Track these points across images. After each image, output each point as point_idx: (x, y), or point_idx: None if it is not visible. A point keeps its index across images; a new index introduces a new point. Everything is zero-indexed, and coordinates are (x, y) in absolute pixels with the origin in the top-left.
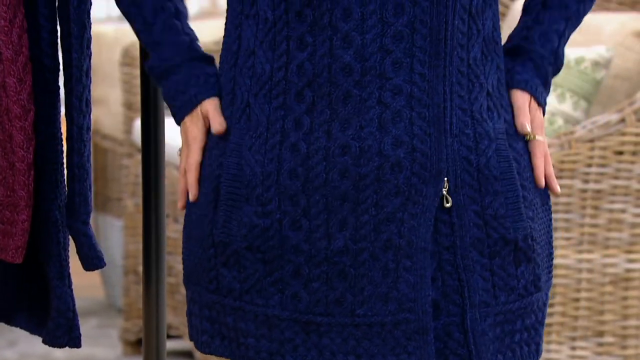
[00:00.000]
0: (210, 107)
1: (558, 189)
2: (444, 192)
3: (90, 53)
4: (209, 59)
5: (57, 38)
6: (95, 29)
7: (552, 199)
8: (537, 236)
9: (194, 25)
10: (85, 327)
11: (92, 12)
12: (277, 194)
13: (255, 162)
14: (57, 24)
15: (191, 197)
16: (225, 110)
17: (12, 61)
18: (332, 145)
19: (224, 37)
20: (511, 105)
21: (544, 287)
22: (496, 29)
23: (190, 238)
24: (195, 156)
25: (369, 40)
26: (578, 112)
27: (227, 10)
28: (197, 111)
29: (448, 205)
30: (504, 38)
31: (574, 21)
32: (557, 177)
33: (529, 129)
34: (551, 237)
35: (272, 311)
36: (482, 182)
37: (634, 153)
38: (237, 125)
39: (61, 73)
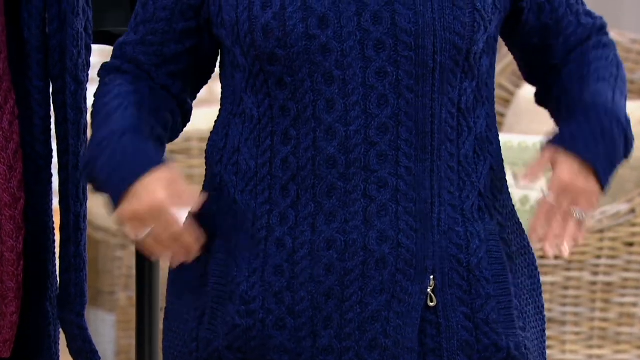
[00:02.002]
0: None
1: (566, 251)
2: (429, 291)
3: (87, 139)
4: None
5: (50, 124)
6: (89, 117)
7: (560, 292)
8: (530, 346)
9: None
10: None
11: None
12: (261, 292)
13: (242, 258)
14: (50, 110)
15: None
16: (213, 204)
17: (2, 148)
18: (317, 239)
19: (211, 133)
20: (505, 207)
21: None
22: (491, 129)
23: (171, 330)
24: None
25: (352, 132)
26: None
27: (220, 110)
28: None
29: (432, 304)
30: (510, 124)
31: (619, 83)
32: (565, 269)
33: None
34: (544, 348)
35: None
36: (472, 283)
37: None
38: (225, 222)
39: (54, 161)
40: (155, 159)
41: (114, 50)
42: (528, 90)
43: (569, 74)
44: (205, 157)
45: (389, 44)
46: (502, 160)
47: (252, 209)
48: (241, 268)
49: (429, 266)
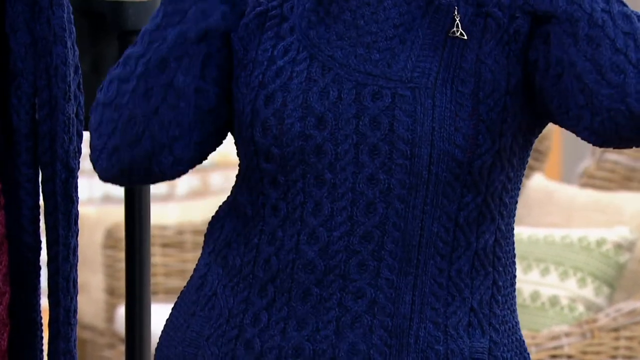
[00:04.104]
0: None
1: None
2: None
3: (78, 230)
4: None
5: (39, 214)
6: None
7: None
8: None
9: (184, 205)
10: None
11: None
12: None
13: (211, 354)
14: (39, 200)
15: None
16: (193, 294)
17: None
18: (286, 345)
19: (213, 217)
20: (505, 323)
21: None
22: (500, 244)
23: None
24: None
25: (335, 237)
26: (600, 299)
27: (229, 195)
28: None
29: None
30: (519, 216)
31: None
32: None
33: None
34: None
35: None
36: None
37: None
38: (201, 313)
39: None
40: None
41: None
42: (537, 182)
43: None
44: (204, 242)
45: (384, 150)
46: (514, 275)
47: (229, 306)
48: None
49: None
